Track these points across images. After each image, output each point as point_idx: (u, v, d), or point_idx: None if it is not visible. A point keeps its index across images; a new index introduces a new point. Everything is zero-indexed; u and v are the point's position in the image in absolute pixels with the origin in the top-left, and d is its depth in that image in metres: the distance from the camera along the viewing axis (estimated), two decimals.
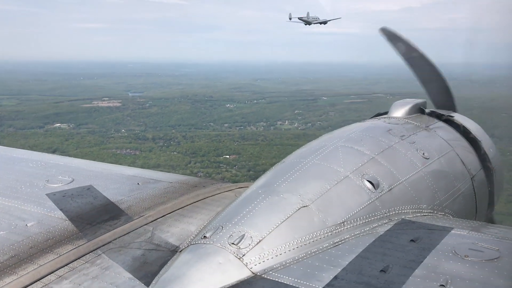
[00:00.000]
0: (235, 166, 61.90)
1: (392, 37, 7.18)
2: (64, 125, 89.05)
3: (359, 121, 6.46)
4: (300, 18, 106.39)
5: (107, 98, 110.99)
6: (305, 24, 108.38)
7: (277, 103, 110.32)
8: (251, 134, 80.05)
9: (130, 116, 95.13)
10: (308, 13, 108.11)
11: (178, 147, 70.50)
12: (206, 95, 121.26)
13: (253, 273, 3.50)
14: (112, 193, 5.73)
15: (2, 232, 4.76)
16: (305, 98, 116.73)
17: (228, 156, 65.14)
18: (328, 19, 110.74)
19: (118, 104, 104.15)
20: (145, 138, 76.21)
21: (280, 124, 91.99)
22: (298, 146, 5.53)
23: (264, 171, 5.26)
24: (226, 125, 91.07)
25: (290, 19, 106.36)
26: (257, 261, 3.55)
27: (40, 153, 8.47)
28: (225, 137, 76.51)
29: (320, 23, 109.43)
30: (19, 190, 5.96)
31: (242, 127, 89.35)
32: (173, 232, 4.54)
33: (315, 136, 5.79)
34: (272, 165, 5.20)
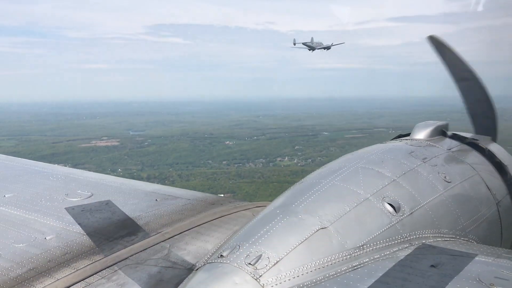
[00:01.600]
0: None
1: (440, 47, 6.77)
2: (60, 166, 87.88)
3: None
4: (304, 43, 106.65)
5: (106, 138, 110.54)
6: (309, 50, 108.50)
7: (277, 139, 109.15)
8: (248, 171, 78.39)
9: (127, 155, 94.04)
10: (312, 38, 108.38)
11: (172, 186, 68.45)
12: (206, 132, 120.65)
13: None
14: (130, 208, 5.74)
15: (21, 245, 4.80)
16: (306, 133, 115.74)
17: (222, 195, 62.51)
18: (331, 44, 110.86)
19: (116, 143, 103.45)
20: (139, 177, 74.60)
21: (280, 161, 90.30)
22: (295, 184, 5.17)
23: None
24: (224, 162, 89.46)
25: (294, 44, 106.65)
26: (274, 282, 3.47)
27: (60, 166, 9.11)
28: (221, 175, 74.84)
29: (324, 48, 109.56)
30: (39, 203, 6.02)
31: (240, 164, 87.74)
32: (189, 250, 4.55)
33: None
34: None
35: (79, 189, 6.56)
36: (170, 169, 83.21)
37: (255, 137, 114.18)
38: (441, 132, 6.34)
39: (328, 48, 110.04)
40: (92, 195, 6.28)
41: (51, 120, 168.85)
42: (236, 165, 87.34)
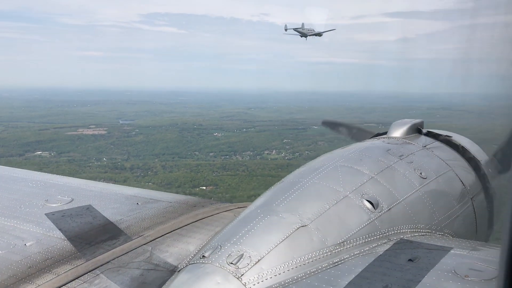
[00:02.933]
0: (210, 198, 59.07)
1: (333, 126, 8.04)
2: (45, 153, 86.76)
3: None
4: (295, 29, 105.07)
5: (93, 126, 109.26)
6: (301, 36, 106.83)
7: (266, 132, 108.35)
8: (233, 164, 77.61)
9: (113, 144, 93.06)
10: (303, 24, 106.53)
11: (155, 177, 68.04)
12: (196, 123, 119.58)
13: None
14: (111, 213, 5.76)
15: (1, 252, 4.77)
16: (296, 127, 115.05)
17: (204, 188, 62.44)
18: (322, 31, 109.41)
19: (104, 132, 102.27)
20: (123, 167, 73.86)
21: (267, 154, 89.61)
22: (279, 177, 5.29)
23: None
24: (211, 154, 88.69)
25: (286, 30, 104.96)
26: (256, 280, 3.53)
27: (39, 173, 8.52)
28: (205, 167, 74.12)
29: (315, 34, 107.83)
30: (18, 209, 5.99)
31: (227, 157, 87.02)
32: (172, 251, 4.57)
33: (299, 166, 5.54)
34: (249, 197, 5.12)
35: (59, 194, 6.53)
36: (156, 160, 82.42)
37: (244, 129, 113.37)
38: (416, 129, 6.47)
39: (319, 34, 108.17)
40: (73, 200, 6.26)
41: (41, 106, 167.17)
42: (222, 157, 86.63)
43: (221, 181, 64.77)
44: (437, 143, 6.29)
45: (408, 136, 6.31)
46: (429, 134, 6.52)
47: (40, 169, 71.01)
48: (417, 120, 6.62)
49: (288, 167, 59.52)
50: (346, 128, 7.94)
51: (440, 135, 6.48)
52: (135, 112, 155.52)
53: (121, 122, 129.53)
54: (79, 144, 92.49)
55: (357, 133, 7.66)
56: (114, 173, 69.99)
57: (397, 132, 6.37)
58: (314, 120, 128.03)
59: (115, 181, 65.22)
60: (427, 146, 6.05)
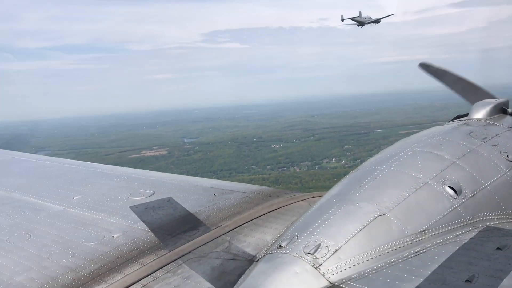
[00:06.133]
0: None
1: (434, 72, 7.29)
2: (123, 167, 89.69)
3: None
4: (352, 19, 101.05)
5: (156, 147, 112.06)
6: (358, 26, 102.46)
7: (326, 139, 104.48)
8: (287, 176, 74.95)
9: (173, 164, 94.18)
10: (360, 12, 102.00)
11: None
12: (256, 136, 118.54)
13: (331, 283, 3.45)
14: (190, 204, 6.02)
15: (92, 243, 5.10)
16: (358, 132, 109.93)
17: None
18: (380, 18, 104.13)
19: (165, 152, 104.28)
20: None
21: (327, 163, 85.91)
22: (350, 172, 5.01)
23: None
24: (268, 167, 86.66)
25: (342, 20, 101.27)
26: (335, 270, 3.49)
27: (123, 167, 9.17)
28: (258, 181, 71.84)
29: (373, 22, 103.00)
30: (105, 203, 6.42)
31: (284, 168, 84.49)
32: (249, 241, 4.70)
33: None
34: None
35: (141, 188, 6.91)
36: (213, 176, 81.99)
37: (304, 139, 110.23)
38: (501, 110, 6.06)
39: (377, 21, 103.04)
40: (154, 193, 6.58)
41: (113, 132, 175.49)
42: (280, 169, 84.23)
43: None
44: None
45: (492, 117, 5.90)
46: None
47: None
48: (501, 100, 6.19)
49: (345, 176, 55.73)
50: (447, 75, 7.14)
51: None
52: (200, 130, 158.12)
53: (185, 140, 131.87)
54: (140, 166, 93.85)
55: (458, 83, 6.97)
56: None
57: (480, 113, 5.94)
58: (379, 123, 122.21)
59: None
60: None
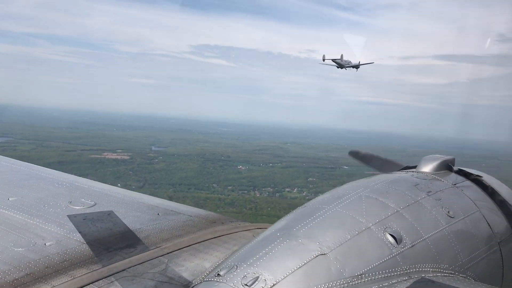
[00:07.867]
0: None
1: (360, 157, 8.04)
2: (66, 173, 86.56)
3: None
4: (333, 60, 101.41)
5: (120, 150, 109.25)
6: (337, 67, 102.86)
7: (293, 168, 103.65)
8: (243, 200, 73.40)
9: (132, 171, 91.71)
10: (342, 55, 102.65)
11: None
12: (224, 154, 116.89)
13: None
14: (131, 220, 5.80)
15: (20, 249, 4.83)
16: (325, 165, 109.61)
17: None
18: (359, 63, 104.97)
19: (127, 157, 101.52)
20: None
21: (288, 191, 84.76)
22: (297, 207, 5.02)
23: None
24: (229, 187, 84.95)
25: (323, 60, 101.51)
26: None
27: (66, 174, 8.64)
28: (213, 201, 70.38)
29: (353, 67, 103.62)
30: (42, 208, 6.09)
31: (245, 192, 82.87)
32: (187, 266, 4.64)
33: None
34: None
35: (83, 197, 6.66)
36: (171, 190, 79.64)
37: (271, 164, 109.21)
38: (447, 166, 6.14)
39: (357, 67, 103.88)
40: (96, 204, 6.36)
41: (83, 129, 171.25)
42: (240, 191, 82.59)
43: None
44: (468, 182, 5.86)
45: (438, 172, 5.90)
46: (460, 172, 6.15)
47: None
48: (449, 157, 6.29)
49: None
50: (374, 159, 7.72)
51: (471, 174, 6.10)
52: (171, 140, 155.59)
53: (153, 148, 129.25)
54: (98, 168, 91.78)
55: (385, 165, 7.29)
56: None
57: (427, 167, 5.94)
58: (347, 159, 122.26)
59: None
60: (457, 185, 5.68)
